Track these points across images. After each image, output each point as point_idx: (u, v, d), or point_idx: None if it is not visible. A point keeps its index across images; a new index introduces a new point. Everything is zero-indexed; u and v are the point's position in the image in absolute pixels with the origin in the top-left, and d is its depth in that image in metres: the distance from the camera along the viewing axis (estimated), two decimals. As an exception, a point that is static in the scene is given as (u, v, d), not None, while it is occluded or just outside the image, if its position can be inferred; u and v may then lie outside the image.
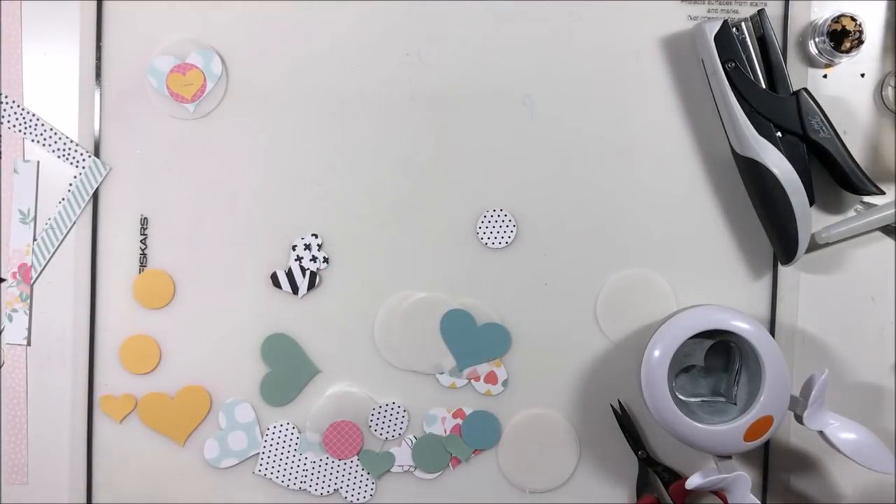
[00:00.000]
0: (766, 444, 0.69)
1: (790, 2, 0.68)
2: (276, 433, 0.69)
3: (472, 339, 0.69)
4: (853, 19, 0.66)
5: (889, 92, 0.65)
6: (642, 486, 0.69)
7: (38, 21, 0.68)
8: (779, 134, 0.64)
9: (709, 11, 0.68)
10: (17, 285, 0.68)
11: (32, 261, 0.68)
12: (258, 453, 0.69)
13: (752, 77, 0.64)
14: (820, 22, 0.66)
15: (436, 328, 0.69)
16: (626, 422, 0.69)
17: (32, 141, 0.68)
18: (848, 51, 0.66)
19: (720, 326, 0.63)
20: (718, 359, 0.66)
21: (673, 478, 0.68)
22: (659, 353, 0.63)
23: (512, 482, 0.70)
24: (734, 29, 0.64)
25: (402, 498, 0.70)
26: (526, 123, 0.69)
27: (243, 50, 0.68)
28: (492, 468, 0.70)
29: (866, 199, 0.67)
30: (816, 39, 0.67)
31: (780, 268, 0.69)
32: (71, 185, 0.68)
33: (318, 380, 0.69)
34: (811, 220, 0.64)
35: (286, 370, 0.69)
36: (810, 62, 0.68)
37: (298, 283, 0.68)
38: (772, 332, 0.69)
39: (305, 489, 0.69)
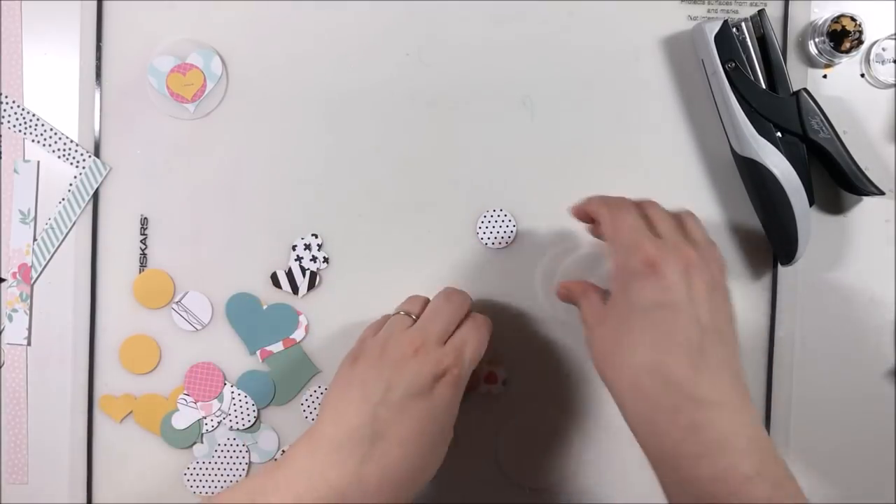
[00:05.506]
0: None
1: (790, 2, 0.68)
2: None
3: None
4: (853, 19, 0.66)
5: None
6: None
7: (38, 21, 0.68)
8: (779, 134, 0.64)
9: (709, 11, 0.68)
10: (17, 285, 0.68)
11: (32, 261, 0.68)
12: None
13: (752, 77, 0.64)
14: (820, 22, 0.66)
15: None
16: None
17: (32, 141, 0.68)
18: (848, 51, 0.66)
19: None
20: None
21: None
22: None
23: (512, 481, 0.70)
24: (734, 29, 0.64)
25: (402, 498, 0.70)
26: (526, 123, 0.69)
27: (243, 50, 0.68)
28: (492, 468, 0.70)
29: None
30: (816, 39, 0.67)
31: (780, 268, 0.69)
32: (71, 185, 0.68)
33: (318, 380, 0.69)
34: (811, 221, 0.64)
35: (286, 370, 0.69)
36: (810, 62, 0.68)
37: (298, 283, 0.68)
38: (772, 331, 0.69)
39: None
